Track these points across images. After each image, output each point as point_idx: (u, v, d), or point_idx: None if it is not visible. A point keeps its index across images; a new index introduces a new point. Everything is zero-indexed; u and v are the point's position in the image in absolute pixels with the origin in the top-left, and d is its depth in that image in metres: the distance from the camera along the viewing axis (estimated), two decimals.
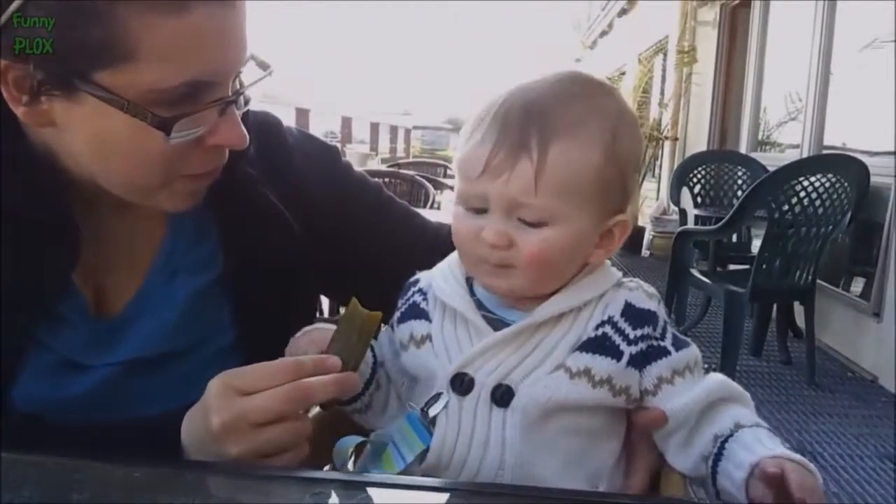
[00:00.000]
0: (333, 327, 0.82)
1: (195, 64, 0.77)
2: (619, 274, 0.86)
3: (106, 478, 0.68)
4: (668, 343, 0.82)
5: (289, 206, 0.98)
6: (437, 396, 0.80)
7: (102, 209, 0.88)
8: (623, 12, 13.13)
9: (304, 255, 0.99)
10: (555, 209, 0.78)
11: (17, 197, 0.83)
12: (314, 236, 1.00)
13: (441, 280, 0.88)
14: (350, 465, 0.83)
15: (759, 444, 0.75)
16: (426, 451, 0.78)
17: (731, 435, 0.77)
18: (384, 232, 1.06)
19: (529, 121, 0.77)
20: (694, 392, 0.80)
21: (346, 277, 1.06)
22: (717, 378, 0.82)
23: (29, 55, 0.73)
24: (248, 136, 0.85)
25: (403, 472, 0.78)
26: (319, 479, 0.71)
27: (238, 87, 0.85)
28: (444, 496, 0.73)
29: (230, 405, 0.73)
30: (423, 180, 4.19)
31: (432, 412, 0.79)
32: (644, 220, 8.32)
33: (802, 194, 3.68)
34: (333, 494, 0.69)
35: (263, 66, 0.87)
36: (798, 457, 0.72)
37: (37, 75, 0.75)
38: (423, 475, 0.79)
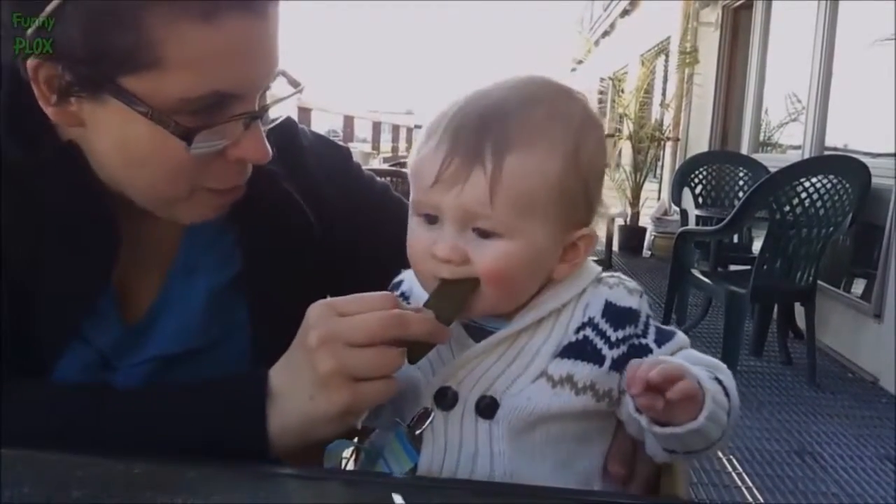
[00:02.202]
0: None
1: (222, 75, 0.76)
2: (599, 269, 0.83)
3: (106, 474, 0.68)
4: (650, 340, 0.80)
5: (304, 204, 0.98)
6: (422, 412, 0.78)
7: (127, 211, 0.88)
8: (625, 13, 13.12)
9: (319, 253, 0.99)
10: (512, 222, 0.74)
11: (64, 194, 0.84)
12: (325, 235, 1.00)
13: (422, 288, 0.85)
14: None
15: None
16: (415, 468, 0.77)
17: None
18: (393, 232, 1.06)
19: (484, 129, 0.74)
20: None
21: (354, 277, 1.06)
22: (683, 354, 0.80)
23: (59, 56, 0.74)
24: (271, 152, 0.85)
25: None
26: (320, 478, 0.71)
27: (265, 101, 0.84)
28: (447, 494, 0.73)
29: (329, 322, 0.74)
30: None
31: (417, 430, 0.77)
32: (645, 221, 8.32)
33: (804, 195, 3.69)
34: (334, 492, 0.69)
35: (294, 83, 0.86)
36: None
37: (65, 76, 0.75)
38: None
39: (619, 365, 0.78)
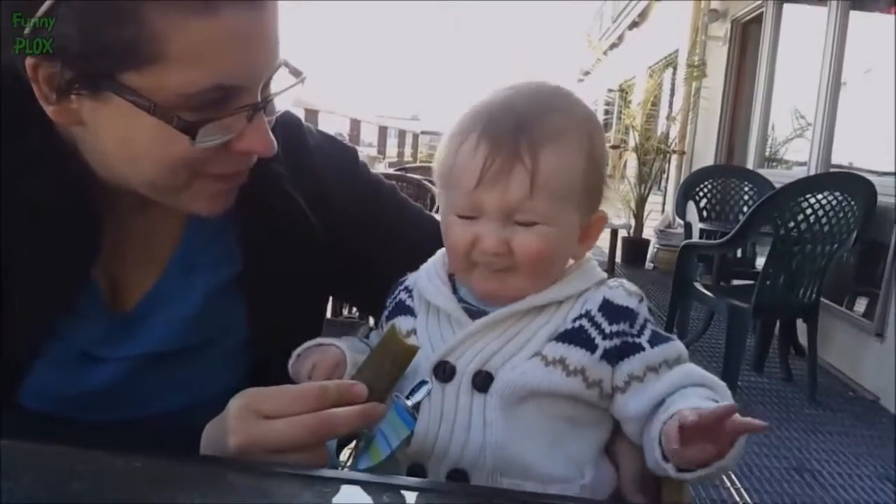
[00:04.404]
0: (335, 345, 0.84)
1: (222, 68, 0.76)
2: (604, 274, 0.89)
3: (106, 468, 0.68)
4: (644, 340, 0.83)
5: (308, 206, 0.98)
6: (421, 384, 0.82)
7: (125, 205, 0.88)
8: (634, 25, 13.14)
9: (321, 255, 0.99)
10: (549, 211, 0.82)
11: (41, 189, 0.83)
12: (331, 237, 1.00)
13: (425, 279, 0.91)
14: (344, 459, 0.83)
15: (683, 403, 0.76)
16: (411, 435, 0.80)
17: (670, 406, 0.77)
18: (399, 233, 1.06)
19: (518, 131, 0.81)
20: (656, 387, 0.80)
21: (359, 278, 1.06)
22: (685, 368, 0.82)
23: (58, 54, 0.73)
24: (276, 144, 0.84)
25: (389, 458, 0.78)
26: (321, 477, 0.71)
27: (269, 92, 0.84)
28: (446, 498, 0.73)
29: (249, 428, 0.73)
30: (430, 184, 4.19)
31: (415, 399, 0.81)
32: (649, 233, 8.31)
33: (809, 212, 3.68)
34: (334, 492, 0.69)
35: (296, 73, 0.86)
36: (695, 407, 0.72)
37: (65, 74, 0.75)
38: (411, 461, 0.81)
39: (610, 356, 0.82)
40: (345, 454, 0.89)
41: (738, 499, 2.80)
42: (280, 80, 0.85)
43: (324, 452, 0.74)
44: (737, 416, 0.69)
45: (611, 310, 0.84)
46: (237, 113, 0.79)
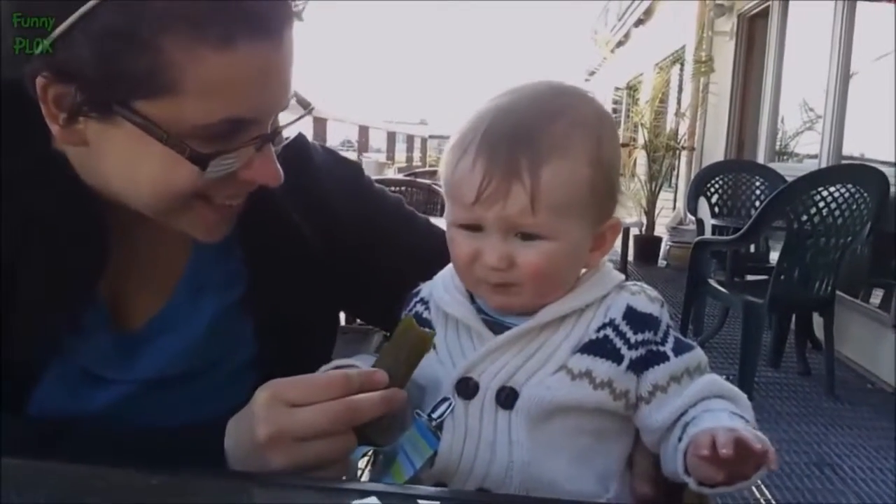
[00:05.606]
0: (354, 367, 0.83)
1: (238, 101, 0.76)
2: (622, 276, 0.87)
3: (123, 485, 0.68)
4: (668, 348, 0.82)
5: (313, 223, 0.98)
6: (443, 402, 0.80)
7: (130, 224, 0.87)
8: (640, 22, 13.12)
9: (327, 272, 0.99)
10: (551, 226, 0.79)
11: (45, 200, 0.83)
12: (338, 253, 0.99)
13: (442, 289, 0.89)
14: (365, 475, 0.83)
15: (712, 421, 0.75)
16: (434, 455, 0.78)
17: (694, 418, 0.77)
18: (405, 246, 1.06)
19: (516, 146, 0.78)
20: (679, 400, 0.80)
21: (368, 292, 1.06)
22: (707, 379, 0.82)
23: (72, 76, 0.74)
24: (282, 174, 0.84)
25: (413, 478, 0.78)
26: (341, 489, 0.71)
27: (278, 123, 0.84)
28: None
29: (276, 417, 0.73)
30: (439, 188, 4.19)
31: (438, 417, 0.79)
32: (661, 231, 8.28)
33: (822, 205, 3.66)
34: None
35: (304, 104, 0.86)
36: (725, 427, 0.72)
37: (78, 97, 0.75)
38: (434, 481, 0.79)
39: (636, 366, 0.81)
40: (363, 462, 0.88)
41: (758, 495, 2.78)
42: (289, 109, 0.85)
43: (351, 438, 0.75)
44: (760, 445, 0.69)
45: (635, 318, 0.82)
46: (248, 145, 0.80)
